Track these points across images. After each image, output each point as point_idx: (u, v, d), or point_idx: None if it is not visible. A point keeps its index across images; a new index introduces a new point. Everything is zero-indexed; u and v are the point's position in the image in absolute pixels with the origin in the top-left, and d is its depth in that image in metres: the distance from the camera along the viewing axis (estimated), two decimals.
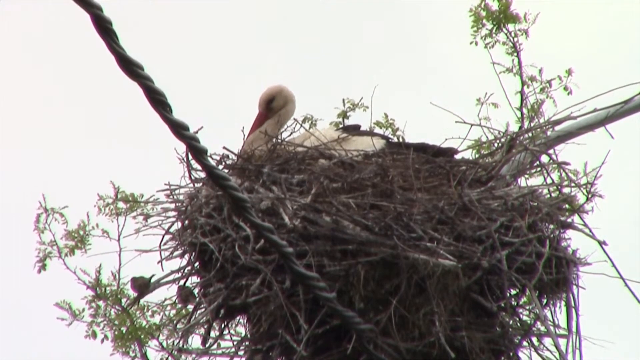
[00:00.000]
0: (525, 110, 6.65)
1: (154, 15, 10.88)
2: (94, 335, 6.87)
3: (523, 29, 6.81)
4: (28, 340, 9.07)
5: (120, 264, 6.79)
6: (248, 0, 10.84)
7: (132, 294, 6.13)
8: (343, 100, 6.72)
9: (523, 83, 6.72)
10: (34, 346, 8.78)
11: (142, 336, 6.75)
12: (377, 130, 6.55)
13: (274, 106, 6.17)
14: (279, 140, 5.91)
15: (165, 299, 5.81)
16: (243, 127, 5.97)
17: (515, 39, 6.80)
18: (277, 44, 11.14)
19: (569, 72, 6.77)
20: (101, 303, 6.86)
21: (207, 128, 5.11)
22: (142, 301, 6.46)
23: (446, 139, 5.99)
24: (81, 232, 6.85)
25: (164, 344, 6.34)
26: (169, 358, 5.65)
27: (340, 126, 6.46)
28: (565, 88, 6.77)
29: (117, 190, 6.65)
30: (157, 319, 6.75)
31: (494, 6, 6.80)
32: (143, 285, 5.74)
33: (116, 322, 6.82)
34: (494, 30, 6.80)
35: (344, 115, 6.71)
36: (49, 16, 10.45)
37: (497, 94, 6.57)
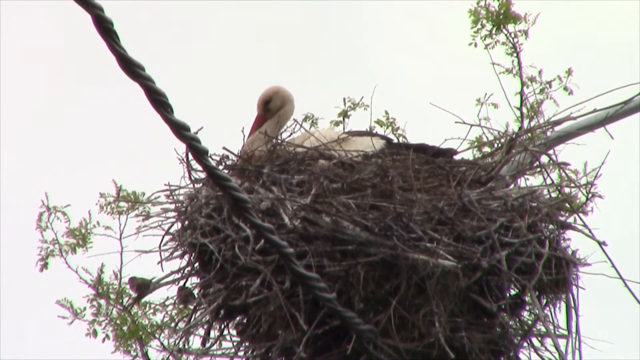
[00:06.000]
0: (525, 110, 6.65)
1: (154, 15, 10.88)
2: (95, 334, 6.86)
3: (523, 30, 6.81)
4: (29, 338, 9.09)
5: (122, 263, 6.78)
6: (248, 1, 10.85)
7: (133, 293, 6.12)
8: (344, 99, 6.72)
9: (523, 84, 6.71)
10: (35, 345, 8.80)
11: (144, 336, 6.74)
12: (378, 128, 6.55)
13: (272, 107, 6.16)
14: (279, 141, 5.91)
15: (168, 298, 5.81)
16: (243, 128, 5.97)
17: (515, 40, 6.80)
18: (277, 44, 11.15)
19: (569, 72, 6.76)
20: (102, 302, 6.85)
21: (207, 128, 5.12)
22: (144, 299, 6.45)
23: (446, 139, 5.99)
24: (83, 230, 6.83)
25: (165, 343, 6.33)
26: (170, 358, 5.64)
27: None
28: (565, 88, 6.76)
29: (119, 189, 6.64)
30: (158, 317, 6.74)
31: (495, 6, 6.80)
32: (142, 286, 5.73)
33: (117, 322, 6.82)
34: (493, 31, 6.80)
35: (344, 114, 6.70)
36: (49, 16, 10.45)
37: (497, 95, 6.58)
